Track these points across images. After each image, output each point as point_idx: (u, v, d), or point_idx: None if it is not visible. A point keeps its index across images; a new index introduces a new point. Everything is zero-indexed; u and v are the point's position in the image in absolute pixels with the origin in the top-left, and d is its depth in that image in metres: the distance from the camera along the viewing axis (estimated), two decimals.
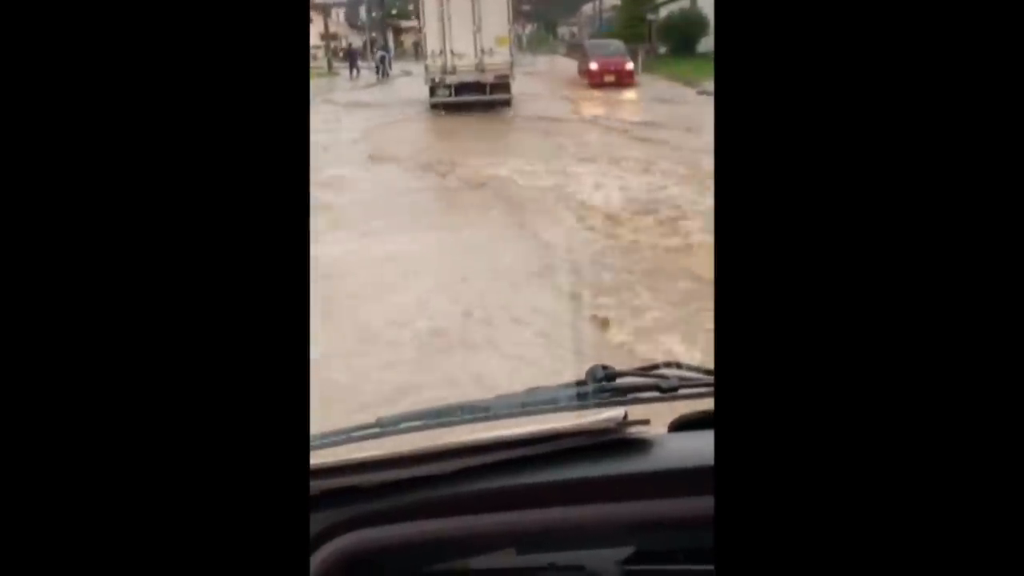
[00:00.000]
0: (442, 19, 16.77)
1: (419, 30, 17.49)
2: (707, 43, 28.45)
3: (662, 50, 29.00)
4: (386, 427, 1.03)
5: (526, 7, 17.04)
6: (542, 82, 22.06)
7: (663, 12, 30.27)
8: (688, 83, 19.33)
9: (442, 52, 16.87)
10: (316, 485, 0.77)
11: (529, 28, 47.46)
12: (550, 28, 57.49)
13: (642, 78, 21.80)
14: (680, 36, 28.59)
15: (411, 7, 17.51)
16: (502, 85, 17.03)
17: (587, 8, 50.27)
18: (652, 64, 25.10)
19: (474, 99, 16.70)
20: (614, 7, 39.49)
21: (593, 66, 20.83)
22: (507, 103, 17.04)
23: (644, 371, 1.12)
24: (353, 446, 0.99)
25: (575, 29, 55.76)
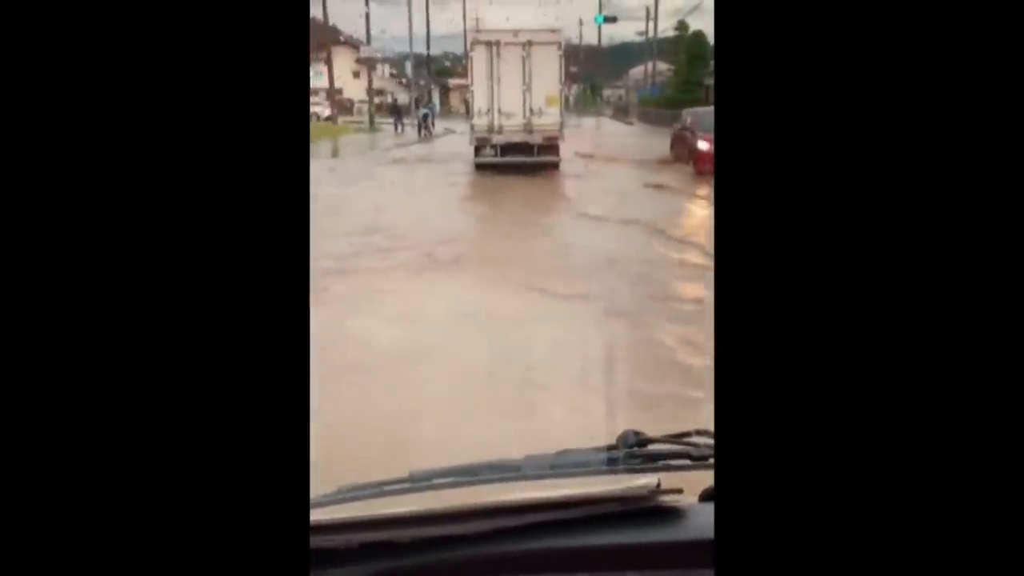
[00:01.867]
0: (491, 76, 16.05)
1: (467, 88, 16.76)
2: None
3: None
4: (418, 482, 1.03)
5: (572, 68, 16.61)
6: (606, 163, 17.58)
7: None
8: None
9: (489, 111, 16.15)
10: (350, 538, 0.79)
11: (574, 89, 47.31)
12: (595, 90, 57.50)
13: None
14: None
15: (460, 66, 16.73)
16: (551, 147, 16.20)
17: (635, 72, 50.23)
18: None
19: (520, 160, 15.89)
20: (669, 69, 39.16)
21: (704, 146, 14.24)
22: (555, 165, 16.19)
23: (675, 438, 1.10)
24: (385, 500, 0.99)
25: (622, 92, 55.66)
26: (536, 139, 16.05)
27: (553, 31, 16.51)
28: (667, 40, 40.98)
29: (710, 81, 30.28)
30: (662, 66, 41.07)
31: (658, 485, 0.82)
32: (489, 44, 16.05)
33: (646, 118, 36.47)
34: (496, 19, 15.99)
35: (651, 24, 41.06)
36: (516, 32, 16.13)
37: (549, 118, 16.13)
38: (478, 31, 16.92)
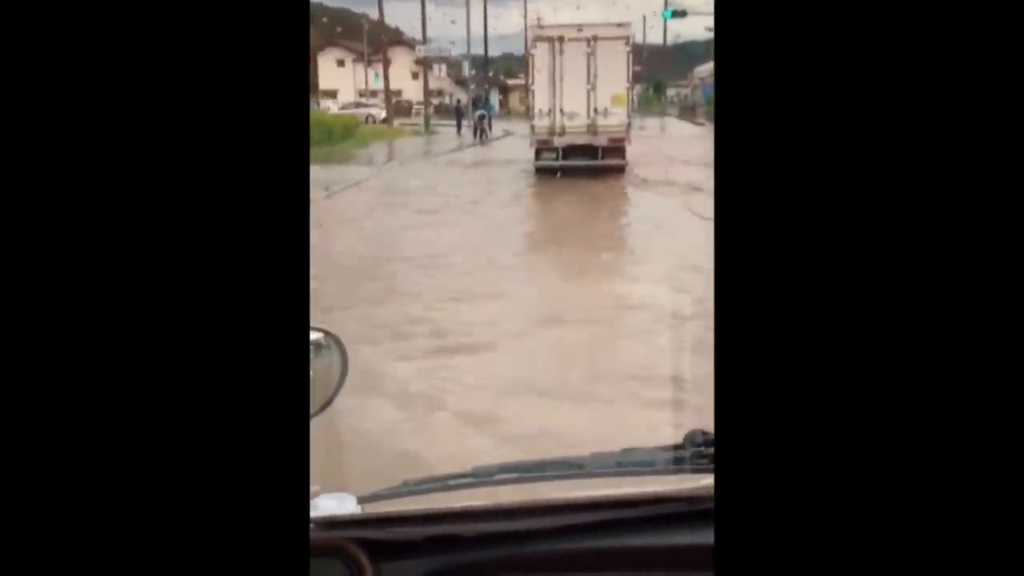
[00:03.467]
0: (553, 75, 14.87)
1: (527, 87, 15.61)
2: None
3: None
4: (481, 477, 1.03)
5: (636, 67, 15.84)
6: None
7: None
8: None
9: (550, 111, 15.00)
10: (414, 531, 0.81)
11: (637, 88, 45.98)
12: (659, 90, 55.88)
13: None
14: None
15: (521, 65, 15.57)
16: (616, 149, 14.96)
17: (700, 70, 48.60)
18: None
19: (584, 164, 14.70)
20: None
21: None
22: (621, 169, 14.96)
23: None
24: (449, 494, 1.00)
25: (687, 91, 53.98)
26: (601, 141, 14.92)
27: (620, 25, 15.41)
28: None
29: None
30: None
31: None
32: (551, 40, 14.95)
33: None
34: (558, 17, 14.91)
35: None
36: (580, 27, 15.02)
37: (615, 118, 14.95)
38: (540, 27, 15.87)
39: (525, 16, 35.68)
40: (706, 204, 10.98)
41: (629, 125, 15.29)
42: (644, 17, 45.27)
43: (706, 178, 14.31)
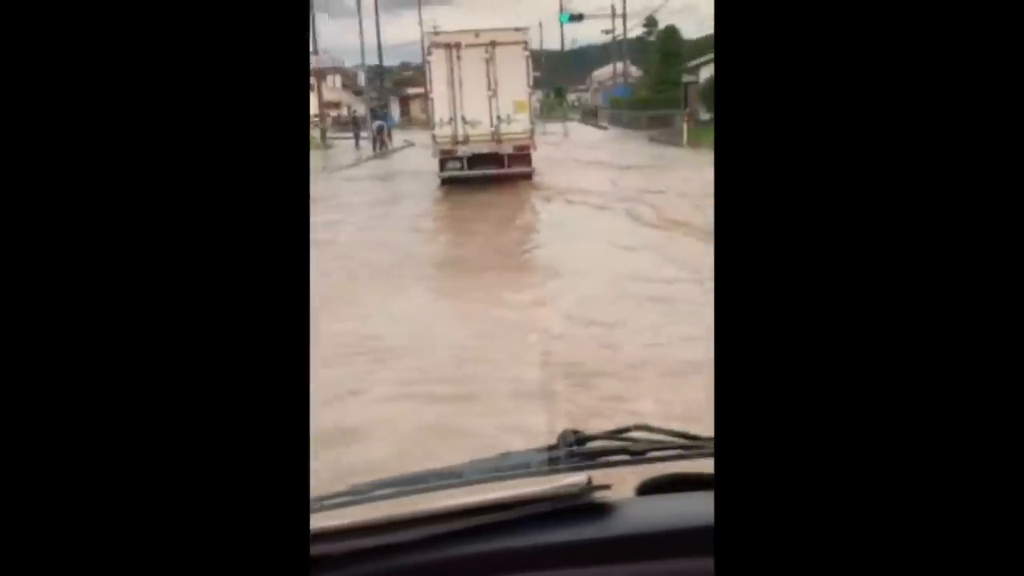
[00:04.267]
0: (452, 82, 14.33)
1: (426, 96, 15.01)
2: None
3: (706, 117, 25.95)
4: (358, 495, 1.01)
5: (535, 73, 15.53)
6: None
7: (704, 73, 27.17)
8: None
9: (452, 120, 14.43)
10: None
11: (538, 94, 46.06)
12: (560, 94, 56.23)
13: (697, 155, 18.29)
14: None
15: (421, 73, 14.91)
16: (522, 156, 14.53)
17: (599, 74, 49.10)
18: (701, 135, 21.83)
19: (490, 173, 14.21)
20: (637, 69, 37.73)
21: None
22: (528, 176, 14.53)
23: (614, 435, 1.11)
24: (324, 514, 0.94)
25: (587, 95, 54.48)
26: (506, 149, 14.48)
27: (518, 30, 15.04)
28: (629, 40, 39.71)
29: (688, 79, 28.51)
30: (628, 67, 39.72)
31: (589, 482, 0.81)
32: (448, 47, 14.42)
33: (619, 121, 34.81)
34: (454, 24, 14.46)
35: (619, 22, 39.67)
36: (477, 33, 14.55)
37: (519, 125, 14.54)
38: (436, 33, 15.33)
39: (420, 23, 35.11)
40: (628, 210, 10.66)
41: (533, 131, 14.93)
42: (541, 23, 45.33)
43: (612, 183, 14.07)
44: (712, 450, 0.98)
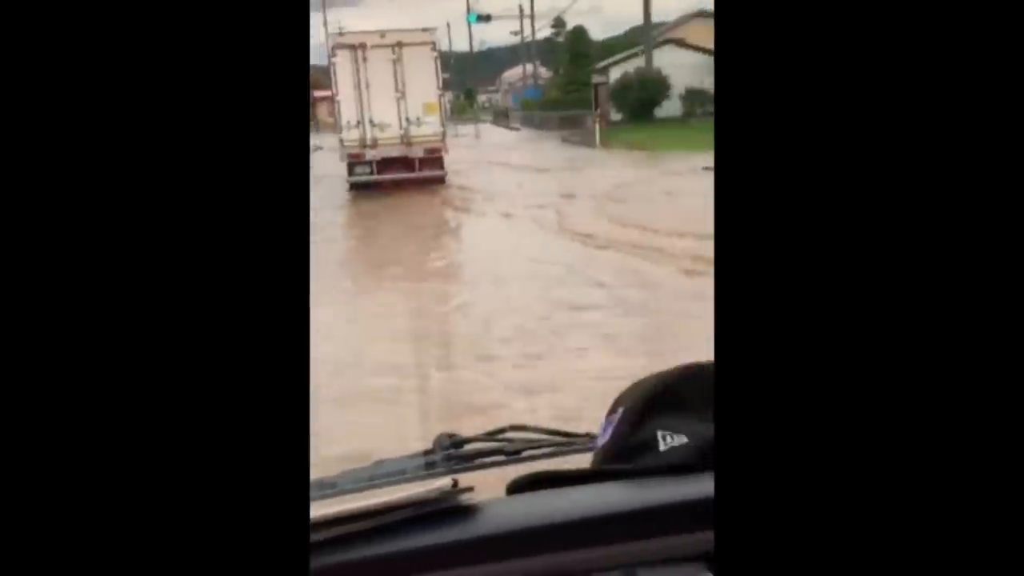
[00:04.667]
0: (359, 84, 13.96)
1: (333, 98, 14.58)
2: (668, 107, 26.04)
3: (616, 117, 26.19)
4: None
5: (445, 75, 15.28)
6: None
7: (614, 73, 27.47)
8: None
9: (359, 123, 14.05)
10: None
11: (448, 96, 45.82)
12: (470, 96, 56.02)
13: (611, 156, 18.31)
14: (637, 101, 25.79)
15: (327, 76, 14.47)
16: (434, 159, 14.30)
17: (509, 75, 49.09)
18: (612, 135, 21.92)
19: (401, 177, 13.91)
20: (547, 70, 37.76)
21: None
22: (441, 180, 14.32)
23: (490, 436, 1.12)
24: None
25: (498, 97, 54.44)
26: (417, 152, 14.20)
27: (425, 30, 14.80)
28: (538, 41, 39.77)
29: (599, 79, 28.70)
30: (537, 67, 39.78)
31: (455, 485, 0.80)
32: (353, 48, 14.04)
33: (530, 122, 34.78)
34: (360, 26, 14.11)
35: (527, 23, 39.71)
36: (383, 33, 14.24)
37: (429, 127, 14.29)
38: (340, 34, 14.92)
39: (325, 24, 34.33)
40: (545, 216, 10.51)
41: (445, 133, 14.71)
42: (449, 24, 45.07)
43: (526, 186, 13.96)
44: (585, 446, 1.02)
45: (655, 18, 27.54)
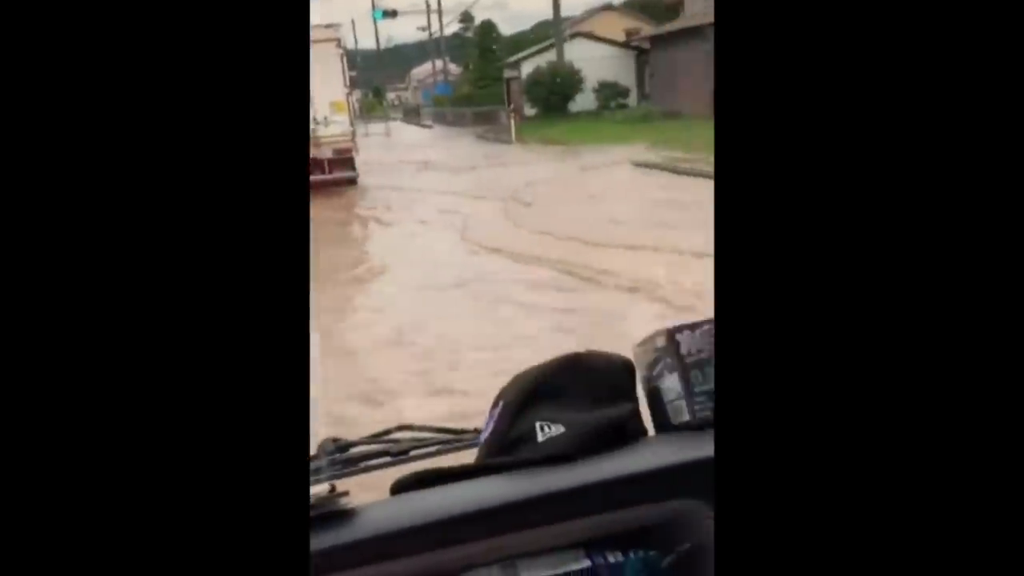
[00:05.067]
0: None
1: None
2: (582, 101, 25.87)
3: (530, 112, 25.85)
4: None
5: (351, 73, 14.76)
6: None
7: (526, 68, 27.08)
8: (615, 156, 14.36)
9: None
10: None
11: (356, 94, 44.85)
12: (379, 94, 54.96)
13: (528, 152, 17.73)
14: (550, 95, 25.50)
15: None
16: (344, 160, 13.67)
17: (418, 72, 48.34)
18: (527, 130, 21.50)
19: (311, 180, 13.21)
20: (456, 66, 37.20)
21: None
22: (353, 181, 13.70)
23: (376, 438, 1.11)
24: None
25: (407, 94, 53.57)
26: (325, 153, 13.52)
27: (328, 27, 14.10)
28: (446, 37, 39.21)
29: (509, 74, 28.34)
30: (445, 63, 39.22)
31: (332, 490, 0.81)
32: None
33: (443, 119, 34.17)
34: None
35: (435, 18, 39.04)
36: None
37: (338, 127, 13.62)
38: None
39: None
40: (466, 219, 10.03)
41: (354, 133, 14.07)
42: (353, 21, 43.98)
43: (446, 184, 13.46)
44: (472, 442, 1.01)
45: (562, 12, 27.37)
